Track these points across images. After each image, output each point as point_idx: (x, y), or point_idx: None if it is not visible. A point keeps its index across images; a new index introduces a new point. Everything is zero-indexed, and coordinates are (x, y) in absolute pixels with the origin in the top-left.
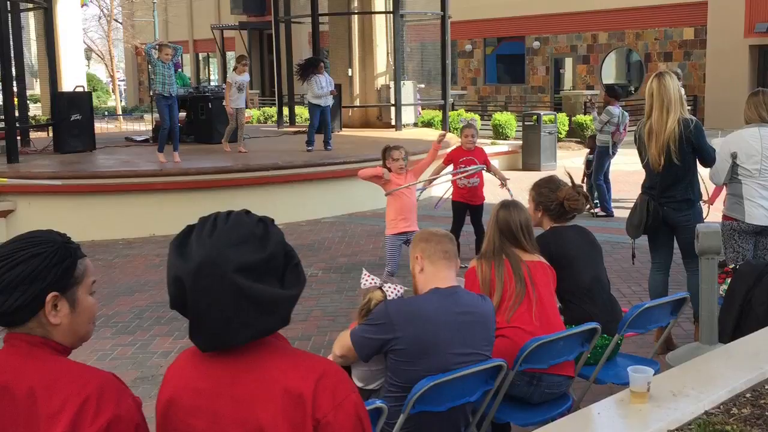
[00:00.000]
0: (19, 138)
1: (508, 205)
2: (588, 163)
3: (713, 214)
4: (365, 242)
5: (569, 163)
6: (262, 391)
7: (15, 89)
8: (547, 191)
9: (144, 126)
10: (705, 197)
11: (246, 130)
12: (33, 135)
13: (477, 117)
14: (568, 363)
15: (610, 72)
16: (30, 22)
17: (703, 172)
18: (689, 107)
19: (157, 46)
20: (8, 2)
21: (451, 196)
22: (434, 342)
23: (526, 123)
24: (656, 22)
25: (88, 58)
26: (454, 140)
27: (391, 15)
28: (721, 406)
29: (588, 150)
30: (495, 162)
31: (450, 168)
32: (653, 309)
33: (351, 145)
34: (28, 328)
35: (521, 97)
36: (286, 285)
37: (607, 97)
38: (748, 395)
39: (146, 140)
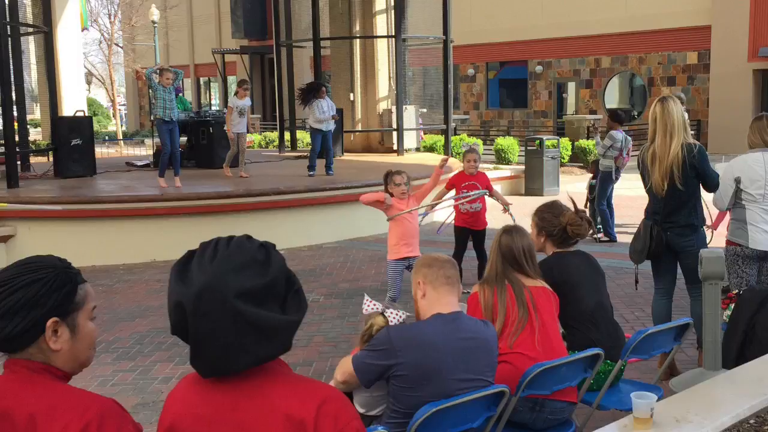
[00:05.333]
0: (19, 163)
1: (511, 231)
2: (591, 188)
3: (717, 239)
4: (367, 267)
5: (572, 188)
6: (263, 417)
7: (15, 114)
8: (550, 216)
9: (145, 151)
10: (708, 222)
11: (247, 154)
12: (33, 160)
13: (479, 142)
14: (570, 389)
15: (613, 96)
16: (30, 46)
17: (706, 197)
18: (693, 132)
19: (157, 71)
20: (8, 26)
21: (453, 221)
22: (436, 368)
23: (528, 148)
24: (659, 47)
25: (89, 83)
26: (456, 165)
27: (393, 39)
28: None
29: (591, 175)
30: (497, 187)
31: (452, 193)
32: (656, 334)
33: (353, 170)
34: (28, 353)
35: (524, 121)
36: (287, 311)
37: (610, 121)
38: (751, 421)
39: (147, 165)
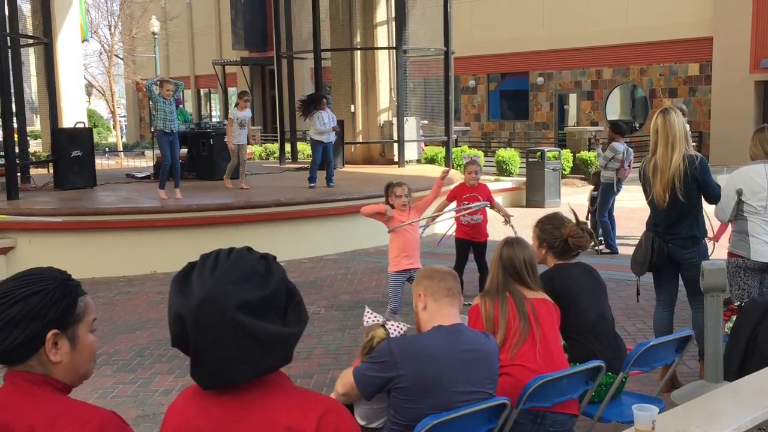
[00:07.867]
0: (19, 174)
1: (512, 242)
2: (592, 200)
3: (718, 251)
4: (368, 280)
5: (573, 199)
6: (263, 429)
7: (15, 125)
8: (551, 228)
9: (145, 162)
10: (710, 234)
11: (248, 166)
12: (33, 171)
13: (480, 153)
14: (572, 401)
15: (614, 108)
16: (30, 57)
17: (708, 208)
18: (694, 143)
19: (158, 82)
20: (8, 37)
21: (454, 233)
22: (437, 380)
23: (529, 159)
24: (661, 58)
25: (89, 94)
26: (457, 177)
27: (394, 51)
28: None
29: (592, 186)
30: (499, 199)
31: (453, 205)
32: (658, 346)
33: (353, 182)
34: (28, 365)
35: (525, 133)
36: (288, 323)
37: (611, 133)
38: None
39: (147, 177)
